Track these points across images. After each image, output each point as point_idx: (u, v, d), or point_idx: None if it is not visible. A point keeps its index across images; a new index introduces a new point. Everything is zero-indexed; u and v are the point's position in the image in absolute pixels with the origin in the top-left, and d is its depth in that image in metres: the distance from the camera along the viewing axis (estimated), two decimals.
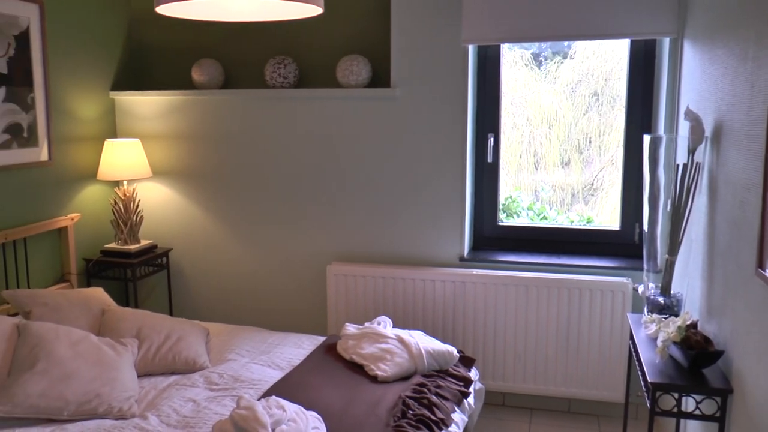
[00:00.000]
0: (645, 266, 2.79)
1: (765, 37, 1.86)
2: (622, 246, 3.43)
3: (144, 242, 3.72)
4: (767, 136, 1.78)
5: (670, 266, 2.60)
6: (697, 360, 2.14)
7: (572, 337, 3.28)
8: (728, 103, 2.20)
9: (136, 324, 2.84)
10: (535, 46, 3.58)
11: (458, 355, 2.84)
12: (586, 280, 3.24)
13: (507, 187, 3.71)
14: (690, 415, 2.18)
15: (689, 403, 2.28)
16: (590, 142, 3.62)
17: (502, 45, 3.43)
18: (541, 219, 3.74)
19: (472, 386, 2.74)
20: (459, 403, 2.57)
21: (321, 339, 3.11)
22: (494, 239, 3.60)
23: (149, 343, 2.76)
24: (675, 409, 2.18)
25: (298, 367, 2.73)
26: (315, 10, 2.15)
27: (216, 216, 3.82)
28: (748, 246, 1.94)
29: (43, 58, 3.25)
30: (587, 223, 3.66)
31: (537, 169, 3.72)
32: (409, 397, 2.44)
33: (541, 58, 3.63)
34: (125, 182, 3.64)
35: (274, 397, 2.21)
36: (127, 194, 3.62)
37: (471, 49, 3.35)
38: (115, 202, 3.62)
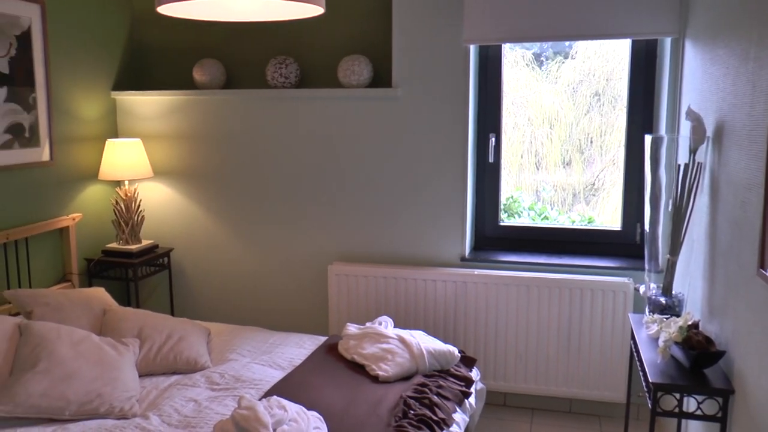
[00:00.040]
0: (646, 266, 2.79)
1: (767, 37, 1.86)
2: (623, 246, 3.43)
3: (145, 242, 3.73)
4: None
5: (671, 266, 2.60)
6: (699, 360, 2.14)
7: (573, 337, 3.28)
8: (730, 103, 2.20)
9: (137, 324, 2.84)
10: (536, 46, 3.58)
11: (459, 355, 2.84)
12: (587, 280, 3.24)
13: (508, 187, 3.71)
14: (691, 416, 2.18)
15: (691, 404, 2.28)
16: (591, 142, 3.62)
17: (503, 45, 3.43)
18: (542, 219, 3.74)
19: (474, 386, 2.74)
20: (460, 403, 2.57)
21: (322, 339, 3.11)
22: (495, 239, 3.60)
23: (151, 343, 2.76)
24: (676, 410, 2.18)
25: (299, 367, 2.73)
26: (316, 10, 2.16)
27: (217, 216, 3.83)
28: (749, 246, 1.94)
29: (44, 58, 3.25)
30: (588, 223, 3.66)
31: (538, 169, 3.72)
32: (411, 397, 2.44)
33: (542, 58, 3.63)
34: (127, 182, 3.64)
35: (275, 397, 2.21)
36: (129, 194, 3.63)
37: (472, 49, 3.35)
38: (117, 202, 3.62)
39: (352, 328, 2.95)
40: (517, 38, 3.27)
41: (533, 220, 3.75)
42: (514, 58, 3.61)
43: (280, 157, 3.67)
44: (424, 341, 2.80)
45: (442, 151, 3.42)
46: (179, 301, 3.95)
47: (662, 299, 2.62)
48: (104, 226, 3.75)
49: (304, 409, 2.19)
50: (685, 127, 2.61)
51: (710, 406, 2.17)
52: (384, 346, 2.75)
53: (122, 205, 3.61)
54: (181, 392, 2.54)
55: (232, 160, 3.75)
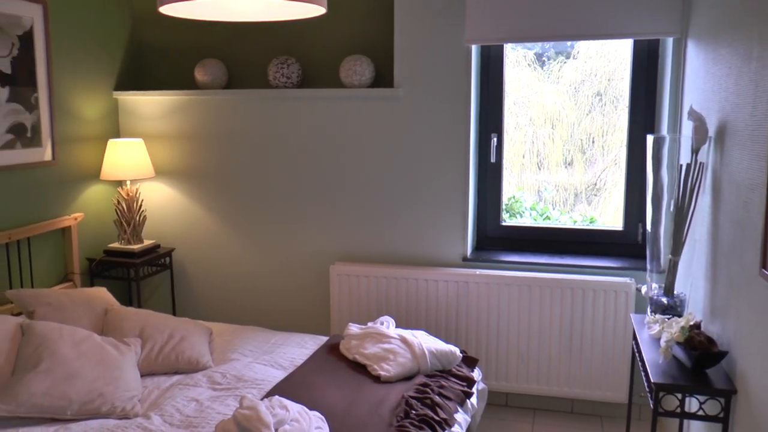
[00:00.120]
0: (648, 266, 2.79)
1: None
2: (625, 246, 3.43)
3: (147, 242, 3.73)
4: None
5: (673, 266, 2.60)
6: (701, 360, 2.13)
7: (575, 337, 3.28)
8: (732, 103, 2.20)
9: (139, 323, 2.84)
10: (538, 46, 3.58)
11: (461, 355, 2.84)
12: (589, 280, 3.23)
13: (510, 187, 3.71)
14: (693, 416, 2.17)
15: (692, 404, 2.27)
16: (593, 142, 3.61)
17: (505, 45, 3.43)
18: (544, 219, 3.74)
19: (475, 386, 2.74)
20: (462, 404, 2.57)
21: (324, 339, 3.11)
22: (497, 239, 3.60)
23: (152, 343, 2.76)
24: (678, 410, 2.18)
25: (301, 367, 2.73)
26: (318, 10, 2.15)
27: (219, 216, 3.83)
28: (751, 246, 1.93)
29: (46, 58, 3.26)
30: (590, 223, 3.66)
31: (540, 169, 3.72)
32: (412, 397, 2.44)
33: (544, 58, 3.63)
34: (128, 182, 3.65)
35: (277, 396, 2.21)
36: (130, 194, 3.63)
37: (474, 49, 3.35)
38: (119, 201, 3.63)
39: (353, 328, 2.95)
40: (519, 38, 3.27)
41: (535, 220, 3.75)
42: (516, 58, 3.60)
43: (281, 157, 3.67)
44: (426, 341, 2.79)
45: (443, 151, 3.42)
46: (181, 301, 3.95)
47: (664, 299, 2.61)
48: (106, 226, 3.75)
49: (305, 409, 2.19)
50: (687, 126, 2.61)
51: (712, 407, 2.17)
52: (386, 346, 2.75)
53: (124, 205, 3.62)
54: (182, 392, 2.55)
55: (234, 160, 3.75)
